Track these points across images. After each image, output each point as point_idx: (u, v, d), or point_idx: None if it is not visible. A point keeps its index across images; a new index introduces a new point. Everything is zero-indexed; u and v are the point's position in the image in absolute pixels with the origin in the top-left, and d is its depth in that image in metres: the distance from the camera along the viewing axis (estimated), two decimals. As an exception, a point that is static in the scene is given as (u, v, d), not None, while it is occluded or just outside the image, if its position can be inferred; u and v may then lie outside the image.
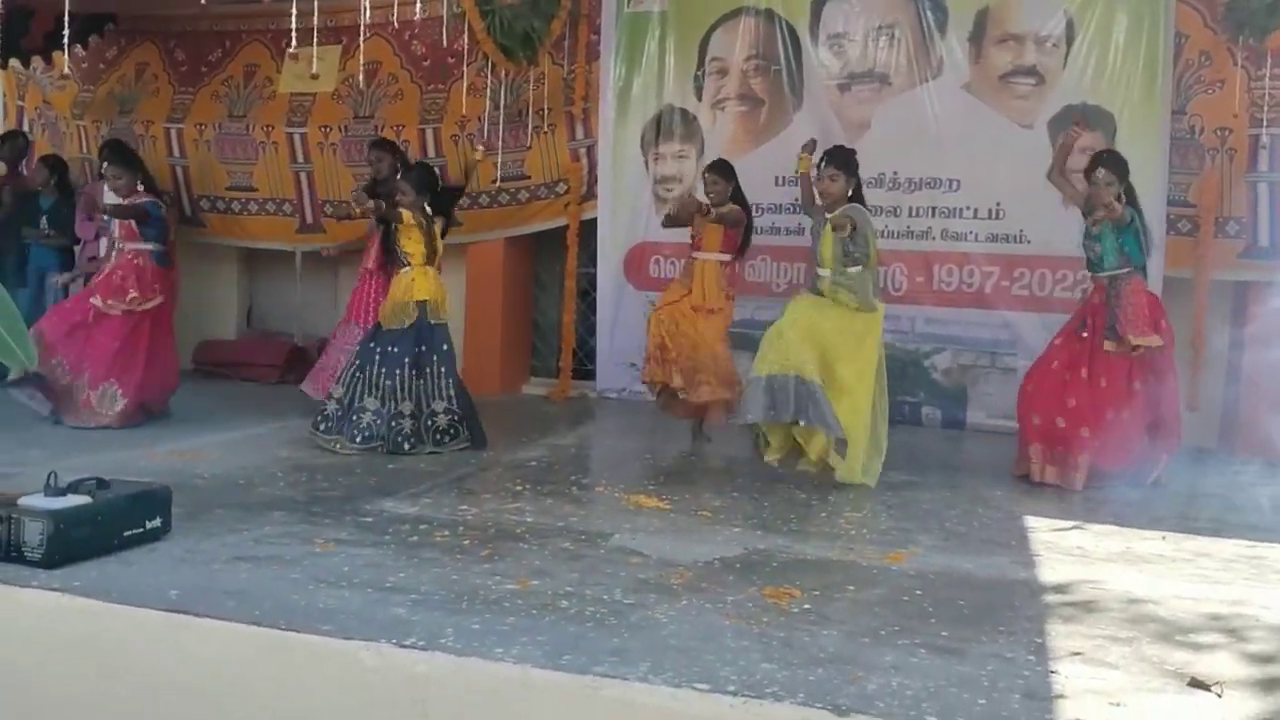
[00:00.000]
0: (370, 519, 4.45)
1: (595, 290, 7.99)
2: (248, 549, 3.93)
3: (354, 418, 5.80)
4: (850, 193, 5.48)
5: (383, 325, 5.97)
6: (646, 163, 7.77)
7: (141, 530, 3.89)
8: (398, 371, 5.83)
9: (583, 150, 7.94)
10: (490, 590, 3.55)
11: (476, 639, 3.10)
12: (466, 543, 4.14)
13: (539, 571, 3.78)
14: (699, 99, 7.70)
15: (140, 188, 6.56)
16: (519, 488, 5.12)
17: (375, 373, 5.83)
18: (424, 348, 5.92)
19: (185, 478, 4.93)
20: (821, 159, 5.52)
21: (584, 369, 8.17)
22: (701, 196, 6.32)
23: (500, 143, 7.70)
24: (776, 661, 3.01)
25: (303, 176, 8.50)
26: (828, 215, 5.42)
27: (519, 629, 3.19)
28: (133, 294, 6.37)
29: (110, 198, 6.62)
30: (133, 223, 6.43)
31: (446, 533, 4.27)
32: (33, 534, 3.57)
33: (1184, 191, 6.71)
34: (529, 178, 8.01)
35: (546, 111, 7.77)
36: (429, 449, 5.84)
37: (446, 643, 3.06)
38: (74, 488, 3.81)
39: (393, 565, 3.80)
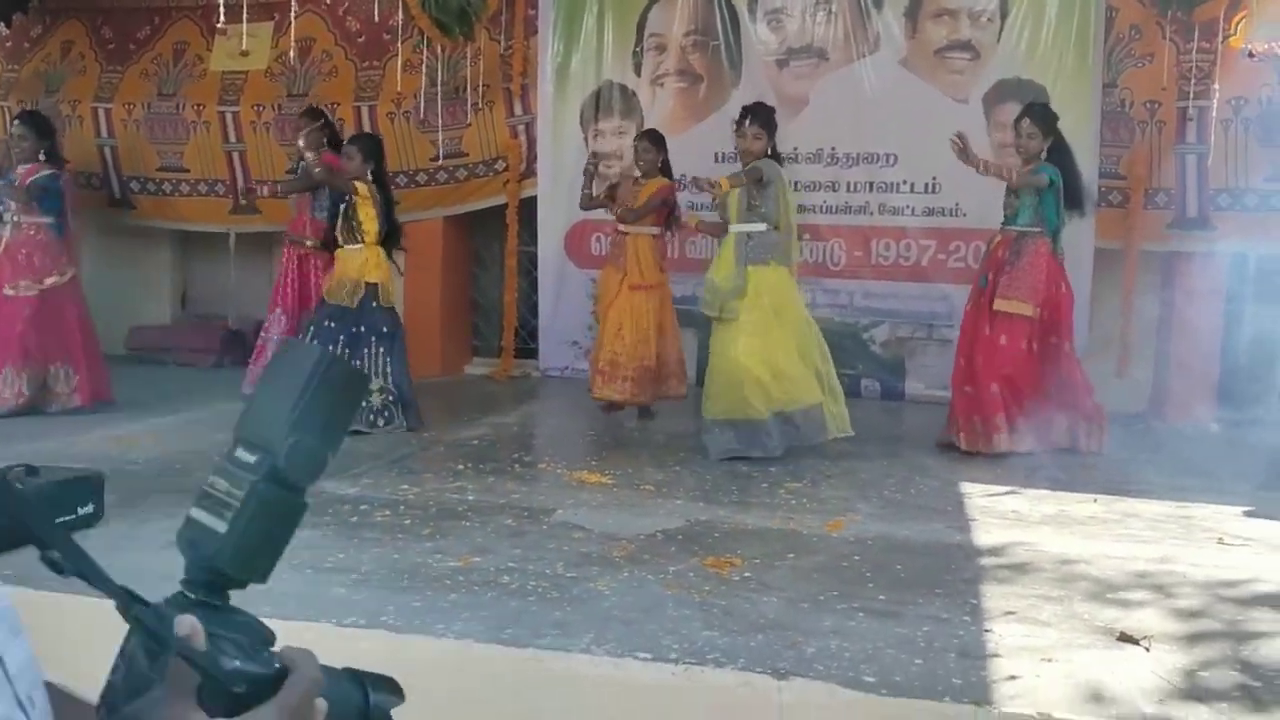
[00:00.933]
0: (310, 500, 4.38)
1: (536, 269, 7.96)
2: (184, 532, 3.87)
3: None
4: (769, 152, 5.48)
5: (326, 299, 5.90)
6: (586, 139, 7.73)
7: (73, 516, 3.82)
8: (330, 347, 5.74)
9: (521, 127, 7.89)
10: (432, 568, 3.54)
11: (418, 617, 3.09)
12: (408, 522, 4.11)
13: (481, 549, 3.77)
14: (638, 75, 7.68)
15: (42, 157, 6.30)
16: (461, 466, 5.10)
17: None
18: (362, 328, 5.84)
19: (121, 463, 4.85)
20: (745, 116, 5.47)
21: (526, 348, 8.15)
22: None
23: (439, 119, 7.62)
24: (717, 629, 3.04)
25: (235, 156, 8.35)
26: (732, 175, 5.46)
27: (461, 605, 3.19)
28: (49, 275, 6.17)
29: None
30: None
31: (387, 512, 4.24)
32: (-41, 522, 3.49)
33: (1115, 164, 6.83)
34: (467, 155, 7.94)
35: (484, 88, 7.71)
36: (356, 428, 5.76)
37: (387, 620, 3.05)
38: (3, 474, 3.73)
39: (333, 546, 3.77)
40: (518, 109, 7.88)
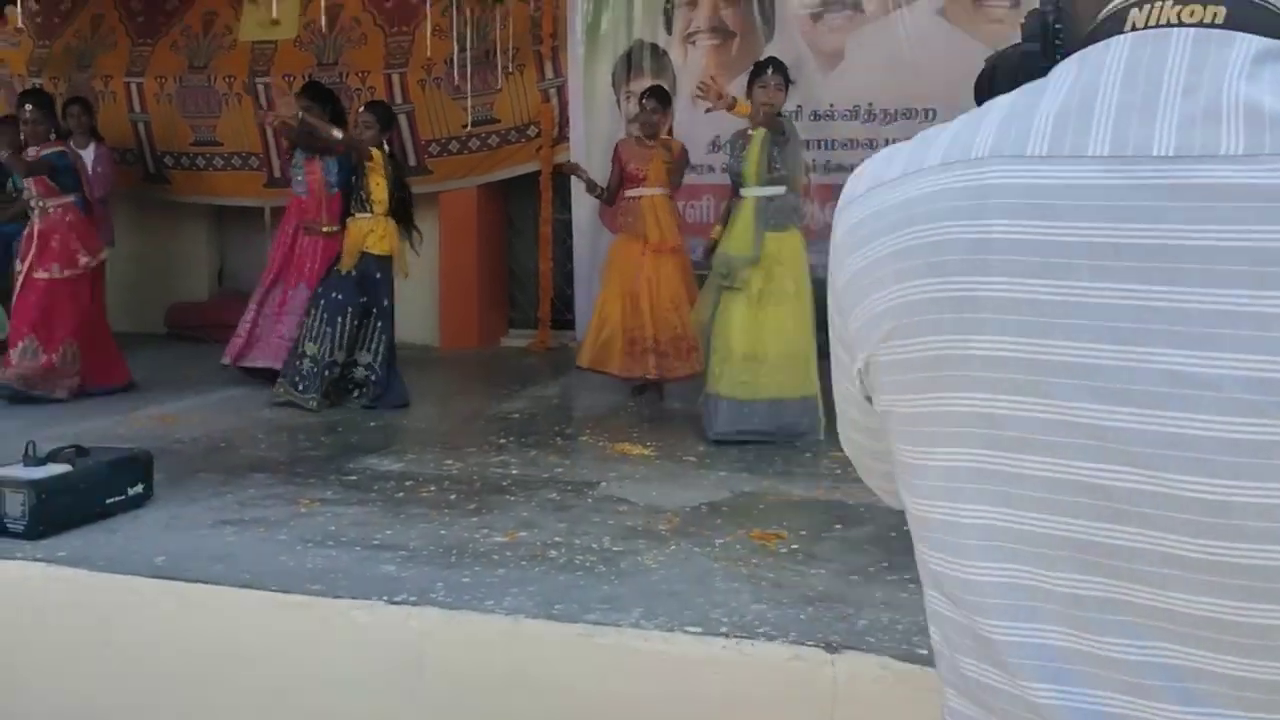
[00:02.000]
0: (354, 477, 4.43)
1: (571, 237, 7.90)
2: (232, 512, 3.90)
3: (296, 363, 5.76)
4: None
5: (339, 270, 5.84)
6: (618, 101, 7.65)
7: (124, 497, 3.86)
8: (339, 319, 5.73)
9: (553, 91, 7.81)
10: (479, 544, 3.55)
11: (467, 592, 3.09)
12: (453, 497, 4.12)
13: (527, 523, 3.77)
14: (669, 33, 7.58)
15: (52, 136, 6.28)
16: (503, 440, 5.10)
17: (317, 319, 5.75)
18: (365, 299, 5.81)
19: (165, 442, 4.89)
20: (767, 66, 5.16)
21: (563, 318, 8.10)
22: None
23: (469, 86, 7.56)
24: (767, 602, 3.02)
25: (269, 129, 8.34)
26: (751, 132, 5.10)
27: (509, 580, 3.19)
28: (83, 257, 6.15)
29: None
30: (46, 177, 6.13)
31: (432, 488, 4.25)
32: (14, 505, 3.53)
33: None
34: (499, 121, 7.88)
35: (514, 51, 7.63)
36: (345, 401, 5.83)
37: (438, 597, 3.05)
38: (53, 456, 3.77)
39: (380, 522, 3.78)
40: (549, 72, 7.79)
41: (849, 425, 0.88)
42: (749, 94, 5.18)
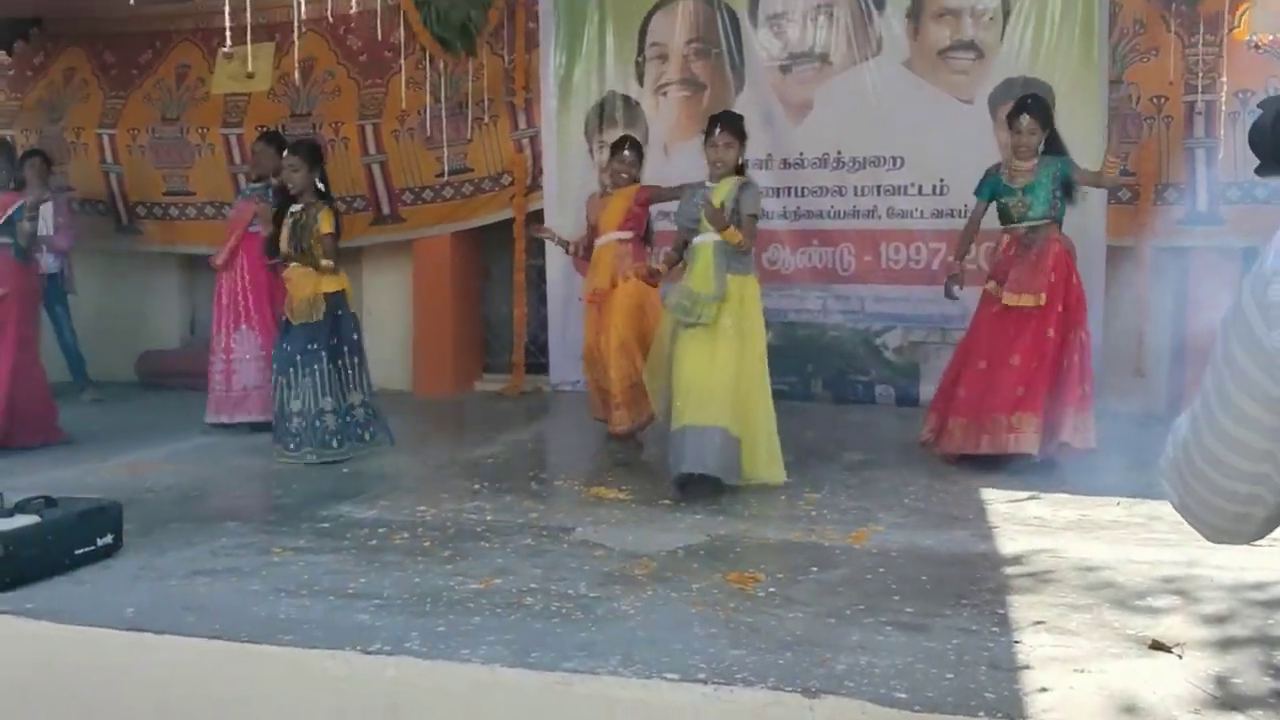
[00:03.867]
0: (328, 525, 4.39)
1: (545, 282, 7.94)
2: (204, 562, 3.86)
3: (286, 424, 5.63)
4: (740, 161, 5.18)
5: (292, 321, 5.68)
6: (591, 150, 7.72)
7: (93, 548, 3.81)
8: (315, 367, 5.62)
9: (526, 140, 7.88)
10: (454, 591, 3.52)
11: (443, 641, 3.07)
12: (427, 544, 4.10)
13: (502, 570, 3.75)
14: (641, 84, 7.67)
15: (10, 186, 6.18)
16: (477, 486, 5.08)
17: (296, 374, 5.61)
18: (336, 339, 5.72)
19: (135, 492, 4.84)
20: (714, 124, 5.13)
21: (537, 363, 8.12)
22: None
23: (443, 136, 7.61)
24: (745, 647, 3.01)
25: (241, 179, 8.32)
26: (710, 185, 5.08)
27: (485, 628, 3.17)
28: None
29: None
30: None
31: (406, 535, 4.22)
32: (-20, 557, 3.48)
33: (1124, 160, 6.79)
34: (472, 170, 7.92)
35: (487, 102, 7.70)
36: (357, 446, 5.73)
37: (412, 646, 3.03)
38: (21, 507, 3.73)
39: (353, 571, 3.75)
40: (522, 122, 7.86)
41: (1230, 451, 1.00)
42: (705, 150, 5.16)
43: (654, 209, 6.09)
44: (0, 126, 8.78)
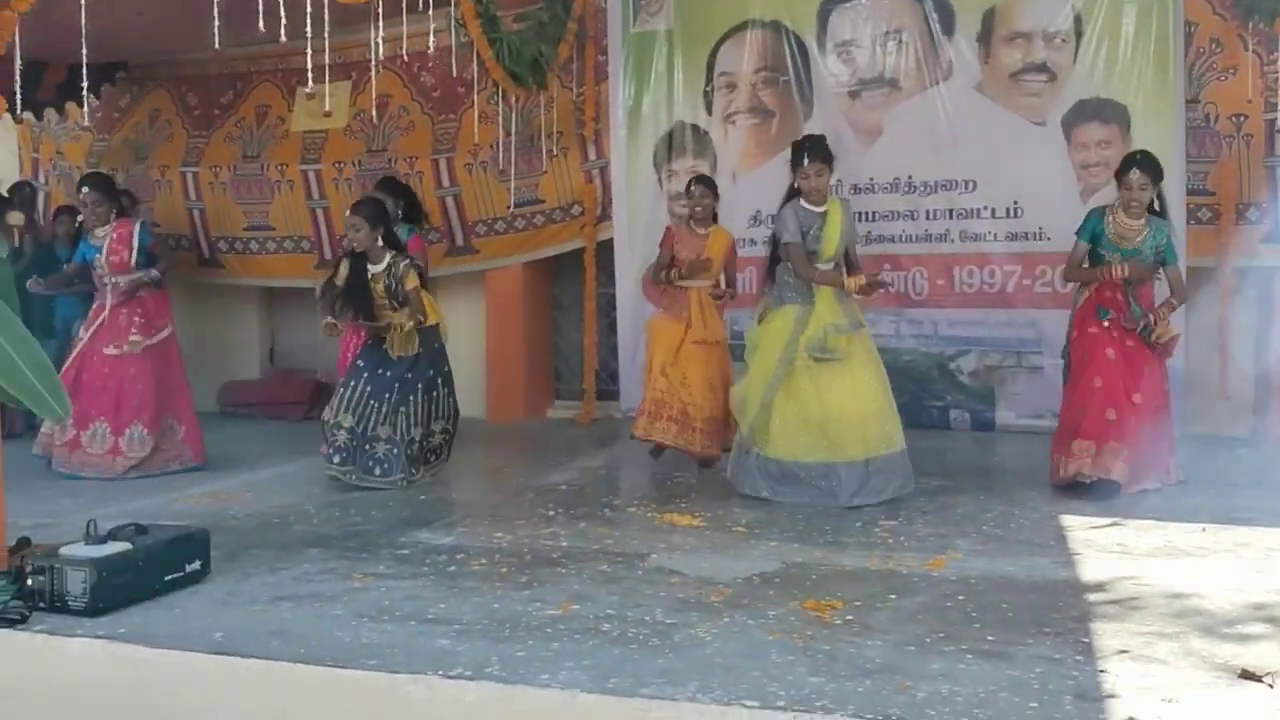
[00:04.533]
0: (407, 551, 4.46)
1: (615, 310, 8.00)
2: (288, 587, 3.94)
3: (368, 448, 5.69)
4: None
5: (390, 354, 5.73)
6: (660, 180, 7.79)
7: (182, 574, 3.91)
8: (411, 398, 5.72)
9: (596, 171, 7.97)
10: (532, 617, 3.55)
11: (522, 666, 3.10)
12: (504, 570, 4.14)
13: (579, 596, 3.78)
14: (709, 114, 7.72)
15: (113, 218, 6.38)
16: (551, 512, 5.12)
17: (390, 402, 5.67)
18: (432, 371, 5.84)
19: (220, 519, 4.96)
20: (802, 154, 5.19)
21: (607, 390, 8.18)
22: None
23: (514, 169, 7.72)
24: (824, 674, 3.00)
25: (319, 213, 8.56)
26: (821, 209, 5.19)
27: (563, 654, 3.19)
28: (135, 335, 6.22)
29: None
30: (126, 254, 6.26)
31: (484, 561, 4.27)
32: (75, 583, 3.59)
33: (1202, 180, 6.68)
34: (544, 201, 8.03)
35: (558, 135, 7.80)
36: (425, 470, 5.84)
37: (492, 671, 3.06)
38: (114, 535, 3.83)
39: (433, 596, 3.80)
40: (591, 154, 7.96)
41: None
42: (793, 179, 5.26)
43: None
44: (89, 166, 9.09)
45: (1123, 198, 5.31)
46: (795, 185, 5.25)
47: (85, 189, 6.36)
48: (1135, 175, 5.21)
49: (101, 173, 7.08)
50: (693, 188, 6.21)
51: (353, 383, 5.76)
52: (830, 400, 5.08)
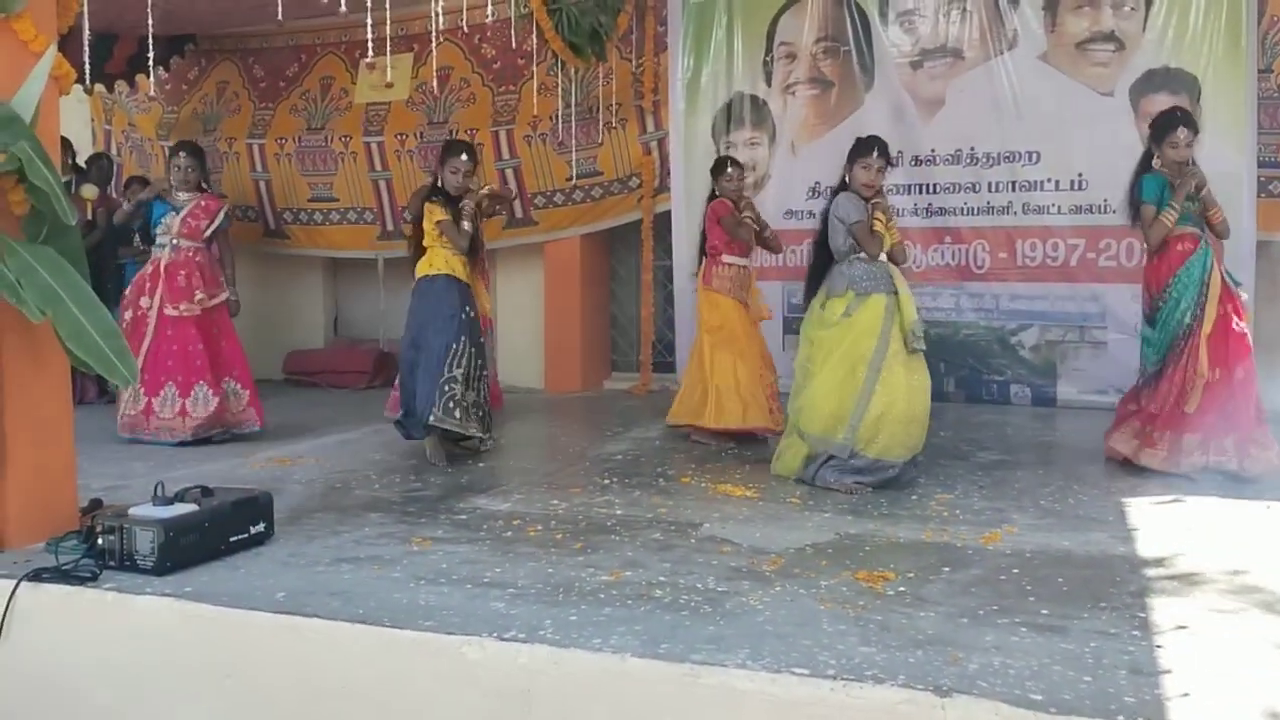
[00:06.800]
0: (464, 516, 4.53)
1: (672, 283, 8.01)
2: (348, 550, 4.03)
3: (472, 407, 5.57)
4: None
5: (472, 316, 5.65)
6: (718, 151, 7.74)
7: (246, 535, 4.01)
8: (480, 360, 5.62)
9: (654, 143, 7.97)
10: (585, 582, 3.60)
11: (575, 630, 3.14)
12: (559, 536, 4.19)
13: (631, 562, 3.82)
14: (768, 84, 7.68)
15: (203, 187, 6.56)
16: (607, 481, 5.17)
17: (466, 355, 5.53)
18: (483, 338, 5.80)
19: (284, 483, 5.08)
20: (871, 148, 5.01)
21: (663, 361, 8.21)
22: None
23: (573, 140, 7.74)
24: (874, 644, 3.00)
25: (382, 184, 8.67)
26: (875, 202, 5.03)
27: (615, 619, 3.23)
28: (200, 294, 6.35)
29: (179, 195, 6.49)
30: (204, 224, 6.42)
31: (539, 527, 4.33)
32: (144, 542, 3.70)
33: (1274, 152, 6.51)
34: (602, 174, 8.06)
35: (616, 106, 7.81)
36: (488, 436, 5.76)
37: (546, 634, 3.11)
38: (180, 496, 3.94)
39: (489, 561, 3.86)
40: (650, 125, 7.96)
41: None
42: (848, 170, 5.06)
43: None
44: (159, 138, 9.29)
45: (1168, 156, 5.07)
46: (846, 177, 5.09)
47: (183, 153, 6.53)
48: (1183, 133, 5.04)
49: (195, 143, 7.18)
50: (731, 169, 6.09)
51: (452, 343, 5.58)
52: (917, 401, 4.92)
